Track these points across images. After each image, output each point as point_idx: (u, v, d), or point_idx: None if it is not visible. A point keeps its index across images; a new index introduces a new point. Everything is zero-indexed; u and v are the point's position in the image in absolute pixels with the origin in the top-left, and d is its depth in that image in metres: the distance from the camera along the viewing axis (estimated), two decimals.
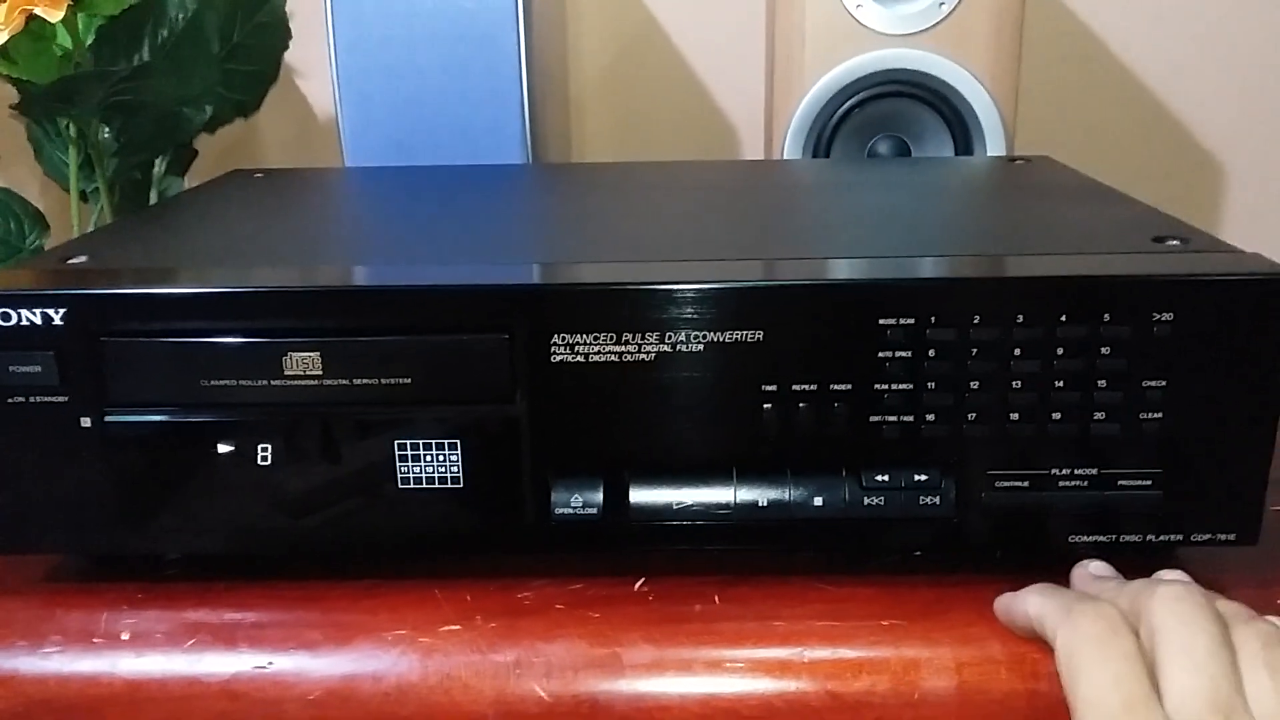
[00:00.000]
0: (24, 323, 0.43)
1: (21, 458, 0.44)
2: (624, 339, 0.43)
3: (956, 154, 0.73)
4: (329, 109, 0.82)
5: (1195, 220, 0.51)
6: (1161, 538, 0.45)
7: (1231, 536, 0.44)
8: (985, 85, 0.72)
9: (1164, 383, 0.43)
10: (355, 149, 0.73)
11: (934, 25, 0.72)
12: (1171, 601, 0.38)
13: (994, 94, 0.72)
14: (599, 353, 0.43)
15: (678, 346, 0.43)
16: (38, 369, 0.43)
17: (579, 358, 0.43)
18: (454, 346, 0.44)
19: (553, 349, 0.43)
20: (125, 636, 0.44)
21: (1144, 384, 0.43)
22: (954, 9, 0.71)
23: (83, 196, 0.75)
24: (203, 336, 0.43)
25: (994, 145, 0.72)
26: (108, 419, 0.44)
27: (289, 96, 0.94)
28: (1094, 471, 0.44)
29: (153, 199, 0.78)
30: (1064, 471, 0.44)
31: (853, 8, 0.72)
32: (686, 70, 0.95)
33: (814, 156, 0.74)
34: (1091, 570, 0.44)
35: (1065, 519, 0.44)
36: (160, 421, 0.44)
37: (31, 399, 0.44)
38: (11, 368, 0.43)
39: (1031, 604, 0.41)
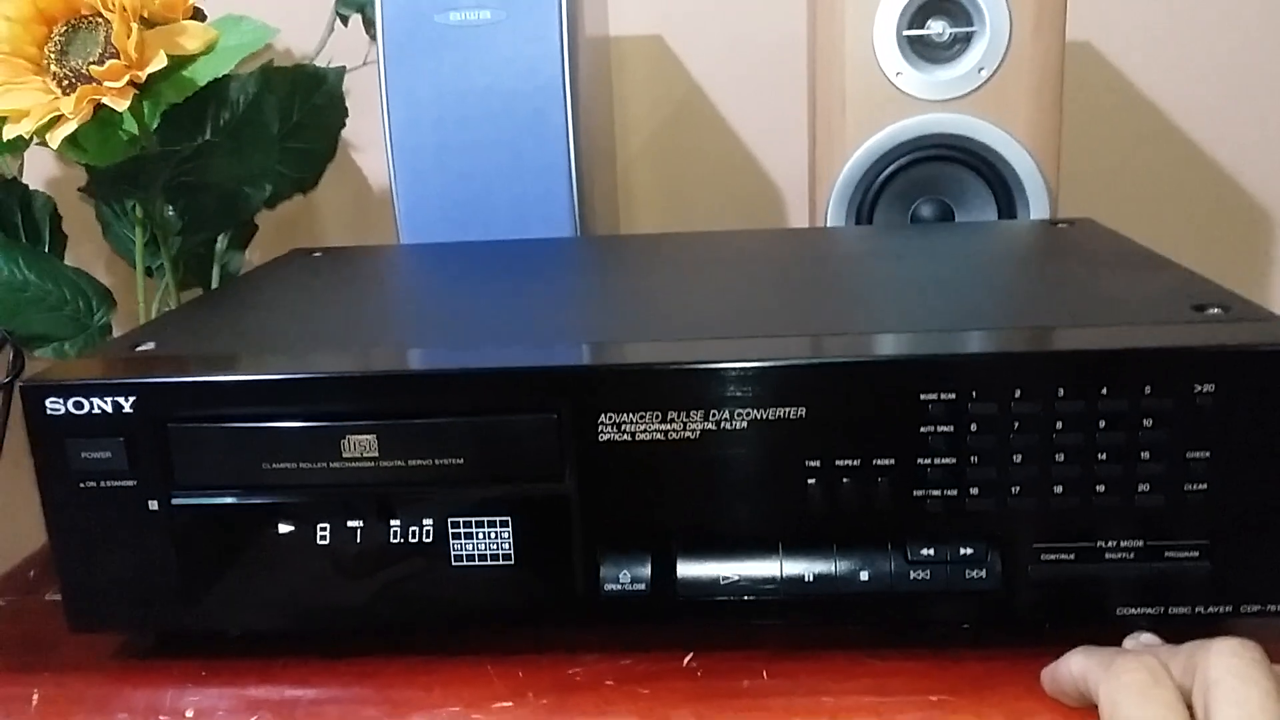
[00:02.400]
0: (96, 411, 0.45)
1: (92, 540, 0.46)
2: (669, 417, 0.44)
3: (1000, 216, 0.74)
4: (384, 181, 0.84)
5: (1245, 278, 0.51)
6: (1211, 609, 0.44)
7: None
8: (1027, 147, 0.72)
9: (1208, 453, 0.43)
10: (410, 223, 0.75)
11: (974, 90, 0.72)
12: (1227, 656, 0.38)
13: (1036, 156, 0.73)
14: (645, 431, 0.44)
15: (722, 424, 0.44)
16: (108, 455, 0.45)
17: (626, 436, 0.44)
18: (504, 427, 0.45)
19: (600, 428, 0.44)
20: (189, 714, 0.46)
21: (1188, 455, 0.43)
22: (993, 74, 0.72)
23: (148, 272, 0.77)
24: (264, 421, 0.45)
25: (1037, 206, 0.73)
26: (174, 501, 0.46)
27: (345, 169, 0.96)
28: (1140, 543, 0.44)
29: (215, 273, 0.81)
30: (1110, 544, 0.44)
31: (892, 75, 0.73)
32: (731, 138, 0.97)
33: (857, 220, 0.75)
34: (1143, 641, 0.44)
35: (1113, 591, 0.45)
36: (224, 504, 0.46)
37: (102, 483, 0.45)
38: (84, 454, 0.45)
39: (1075, 664, 0.42)
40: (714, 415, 0.44)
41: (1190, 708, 0.38)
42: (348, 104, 0.83)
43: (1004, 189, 0.74)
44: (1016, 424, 0.43)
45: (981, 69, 0.72)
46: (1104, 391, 0.43)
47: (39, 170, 0.85)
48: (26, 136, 0.64)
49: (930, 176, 0.75)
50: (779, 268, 0.64)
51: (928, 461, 0.44)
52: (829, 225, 0.75)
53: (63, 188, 0.82)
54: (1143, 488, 0.43)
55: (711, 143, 0.97)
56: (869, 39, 0.73)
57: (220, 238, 0.81)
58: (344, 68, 0.82)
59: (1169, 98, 0.93)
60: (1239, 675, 0.37)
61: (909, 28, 0.72)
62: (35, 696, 0.47)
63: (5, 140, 0.64)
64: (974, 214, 0.75)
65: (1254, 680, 0.37)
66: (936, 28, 0.73)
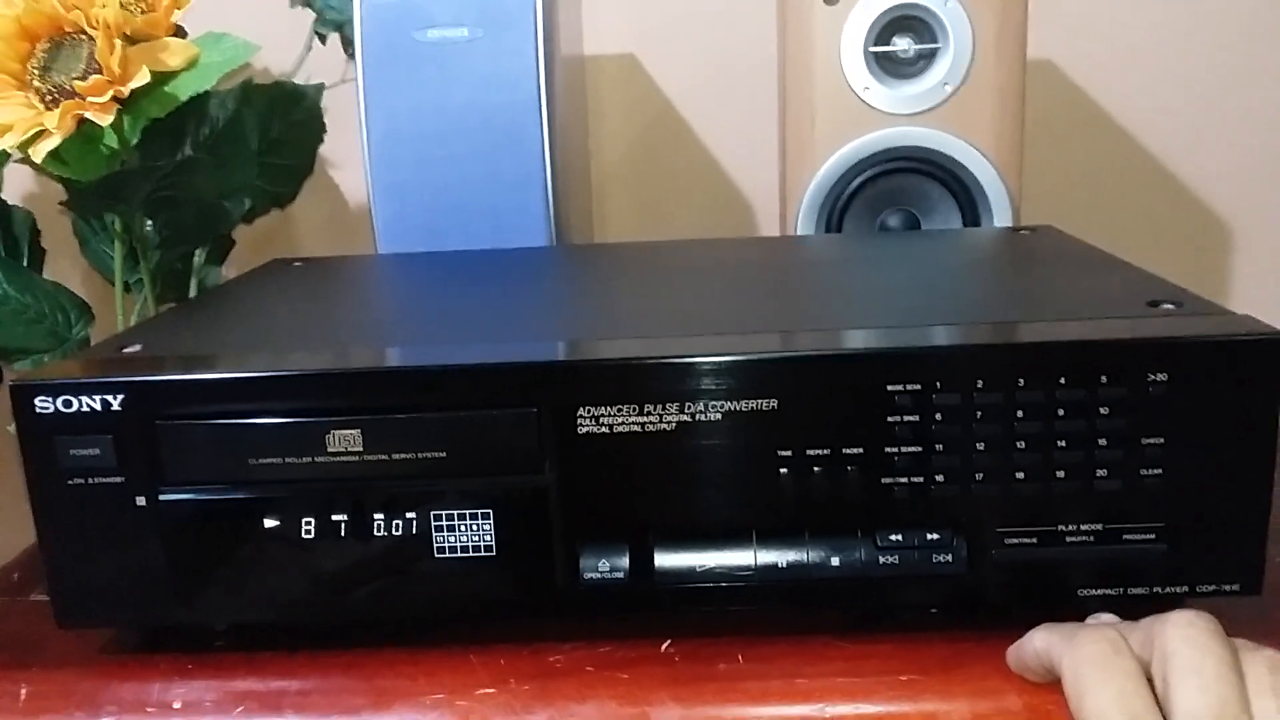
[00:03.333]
0: (84, 409, 0.46)
1: (81, 536, 0.47)
2: (646, 410, 0.46)
3: (964, 225, 0.76)
4: (361, 197, 0.85)
5: (1204, 286, 0.53)
6: (1168, 590, 0.46)
7: (1236, 587, 0.46)
8: (990, 159, 0.75)
9: (1162, 440, 0.45)
10: (388, 235, 0.76)
11: (939, 104, 0.75)
12: (1183, 627, 0.39)
13: (999, 167, 0.75)
14: (623, 424, 0.46)
15: (697, 416, 0.46)
16: (96, 452, 0.46)
17: (604, 429, 0.46)
18: (485, 421, 0.46)
19: (579, 421, 0.46)
20: (177, 705, 0.46)
21: (1143, 442, 0.45)
22: (957, 89, 0.74)
23: (125, 287, 0.78)
24: (251, 418, 0.46)
25: (1000, 216, 0.75)
26: (162, 498, 0.47)
27: (322, 186, 0.98)
28: (1099, 527, 0.46)
29: (193, 288, 0.81)
30: (1070, 528, 0.46)
31: (860, 90, 0.75)
32: (703, 152, 0.99)
33: (826, 231, 0.77)
34: (1103, 620, 0.46)
35: (1074, 573, 0.46)
36: (211, 499, 0.47)
37: (91, 480, 0.46)
38: (73, 451, 0.46)
39: (1038, 640, 0.43)
40: (689, 407, 0.45)
41: (1150, 680, 0.39)
42: (325, 121, 0.84)
43: (968, 199, 0.76)
44: (979, 414, 0.45)
45: (946, 84, 0.74)
46: (1062, 382, 0.45)
47: (17, 186, 0.86)
48: (10, 150, 0.65)
49: (897, 188, 0.77)
50: (751, 272, 0.65)
51: (895, 450, 0.46)
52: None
53: (40, 204, 0.83)
54: (1100, 473, 0.45)
55: (684, 158, 0.99)
56: (837, 55, 0.75)
57: (198, 252, 0.82)
58: (322, 84, 0.84)
59: (1127, 112, 0.96)
60: (1195, 645, 0.38)
61: (875, 44, 0.75)
62: (23, 691, 0.47)
63: None
64: (939, 224, 0.77)
65: (1210, 650, 0.38)
66: (902, 44, 0.75)
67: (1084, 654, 0.40)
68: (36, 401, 0.46)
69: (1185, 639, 0.39)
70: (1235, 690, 0.37)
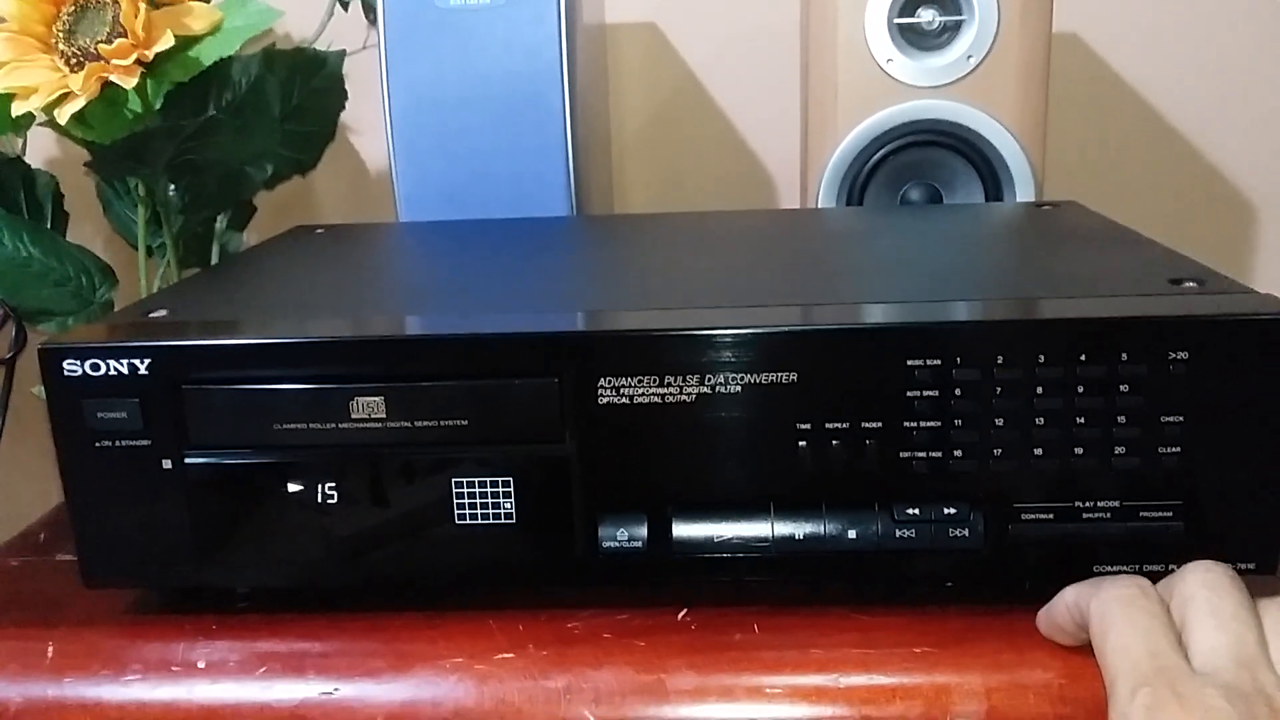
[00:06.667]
0: (112, 372, 0.46)
1: (107, 498, 0.48)
2: (666, 381, 0.46)
3: (987, 200, 0.75)
4: (382, 164, 0.85)
5: (1227, 263, 0.52)
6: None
7: (1251, 565, 0.46)
8: (1013, 133, 0.74)
9: (1181, 418, 0.45)
10: (409, 203, 0.76)
11: (962, 77, 0.74)
12: (1201, 572, 0.41)
13: (1022, 141, 0.74)
14: (643, 395, 0.46)
15: (717, 388, 0.46)
16: (123, 415, 0.47)
17: (624, 399, 0.46)
18: (507, 390, 0.46)
19: (599, 391, 0.46)
20: (201, 665, 0.47)
21: (1162, 420, 0.45)
22: (981, 61, 0.74)
23: (148, 251, 0.79)
24: (276, 383, 0.46)
25: (1023, 191, 0.75)
26: (187, 461, 0.47)
27: (344, 153, 0.98)
28: (1116, 504, 0.46)
29: (214, 253, 0.82)
30: (1088, 504, 0.46)
31: (883, 61, 0.74)
32: (724, 124, 0.98)
33: (848, 204, 0.77)
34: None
35: (1090, 550, 0.46)
36: (235, 463, 0.47)
37: (117, 443, 0.47)
38: (100, 414, 0.46)
39: (1069, 595, 0.44)
40: (709, 379, 0.46)
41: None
42: (347, 89, 0.84)
43: (991, 174, 0.75)
44: (998, 389, 0.45)
45: (970, 56, 0.74)
46: (1082, 358, 0.45)
47: (40, 150, 0.87)
48: (35, 113, 0.65)
49: (919, 161, 0.76)
50: (773, 244, 0.65)
51: (913, 425, 0.46)
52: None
53: (64, 169, 0.83)
54: (1119, 450, 0.45)
55: (704, 129, 0.98)
56: (861, 26, 0.74)
57: (220, 218, 0.82)
58: (344, 51, 0.84)
59: (1153, 88, 0.95)
60: (1213, 588, 0.40)
61: (900, 16, 0.74)
62: (50, 650, 0.48)
63: (14, 116, 0.65)
64: (962, 198, 0.76)
65: (1226, 591, 0.40)
66: (927, 16, 0.74)
67: (1111, 595, 0.41)
68: (65, 365, 0.47)
69: (1203, 583, 0.41)
70: (1253, 630, 0.39)
